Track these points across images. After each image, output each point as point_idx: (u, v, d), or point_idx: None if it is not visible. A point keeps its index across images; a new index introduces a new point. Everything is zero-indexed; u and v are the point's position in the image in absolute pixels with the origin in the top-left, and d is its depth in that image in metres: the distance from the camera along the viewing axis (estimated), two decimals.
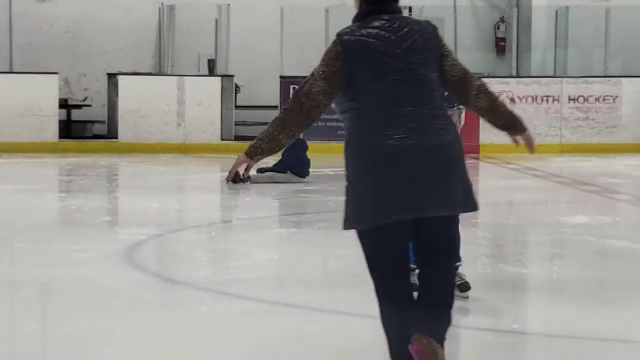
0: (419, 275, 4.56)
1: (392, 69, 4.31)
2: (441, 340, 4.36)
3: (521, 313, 6.85)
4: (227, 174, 14.36)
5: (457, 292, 5.86)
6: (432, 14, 20.98)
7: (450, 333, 6.26)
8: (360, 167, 4.35)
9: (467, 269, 8.24)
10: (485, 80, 15.31)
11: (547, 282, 7.78)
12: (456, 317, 6.46)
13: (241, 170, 4.52)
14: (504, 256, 9.73)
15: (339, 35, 4.25)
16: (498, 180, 16.90)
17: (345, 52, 4.30)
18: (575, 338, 5.80)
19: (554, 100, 20.37)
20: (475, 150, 19.78)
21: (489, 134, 19.77)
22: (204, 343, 5.76)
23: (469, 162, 15.39)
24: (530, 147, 4.78)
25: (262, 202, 13.45)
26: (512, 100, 20.31)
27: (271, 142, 4.41)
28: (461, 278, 6.27)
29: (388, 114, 4.30)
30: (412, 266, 5.43)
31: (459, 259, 6.31)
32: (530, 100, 20.73)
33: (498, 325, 6.48)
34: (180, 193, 15.86)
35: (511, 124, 4.69)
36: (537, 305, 7.16)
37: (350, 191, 4.37)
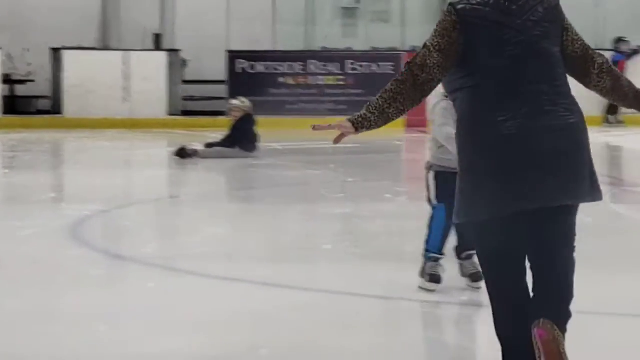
0: (532, 268, 4.17)
1: (513, 41, 3.94)
2: (563, 332, 4.03)
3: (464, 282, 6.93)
4: (175, 148, 14.42)
5: (469, 282, 6.05)
6: None
7: (398, 305, 6.37)
8: (478, 151, 3.97)
9: (417, 243, 8.26)
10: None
11: None
12: (403, 289, 6.58)
13: (344, 137, 4.12)
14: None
15: (453, 4, 3.90)
16: None
17: (461, 22, 3.94)
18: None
19: None
20: (423, 123, 19.18)
21: None
22: (152, 319, 5.73)
23: (417, 137, 15.63)
24: None
25: (210, 177, 13.44)
26: None
27: (380, 115, 3.99)
28: (474, 267, 5.96)
29: (508, 91, 3.94)
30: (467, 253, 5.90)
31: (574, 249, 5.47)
32: None
33: (448, 297, 6.55)
34: (126, 168, 15.79)
35: (638, 102, 4.24)
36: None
37: (465, 178, 4.01)
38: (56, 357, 5.12)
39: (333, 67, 21.27)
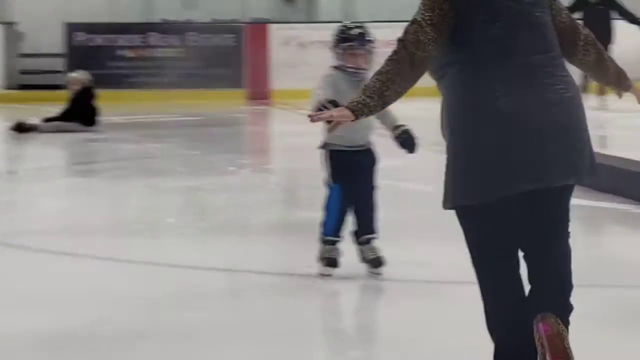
0: (526, 257, 3.93)
1: (505, 11, 3.74)
2: (567, 325, 3.80)
3: (314, 257, 6.98)
4: (13, 123, 14.19)
5: (369, 268, 5.83)
6: None
7: (243, 278, 6.35)
8: (471, 129, 3.71)
9: (262, 215, 8.33)
10: (275, 26, 15.14)
11: None
12: (248, 261, 6.62)
13: (340, 126, 3.83)
14: (296, 201, 9.95)
15: None
16: (290, 126, 16.95)
17: None
18: (366, 278, 5.98)
19: None
20: (265, 95, 20.13)
21: (279, 80, 20.60)
22: None
23: (259, 109, 15.64)
24: None
25: (49, 151, 13.29)
26: (302, 45, 20.61)
27: (379, 99, 3.73)
28: (374, 252, 5.85)
29: (503, 64, 3.72)
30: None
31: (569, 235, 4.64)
32: (320, 45, 20.34)
33: (293, 269, 6.61)
34: None
35: (618, 80, 4.06)
36: None
37: (457, 160, 3.74)
38: None
39: (173, 40, 21.04)
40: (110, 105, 16.02)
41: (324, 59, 20.01)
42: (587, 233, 7.32)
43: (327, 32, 19.70)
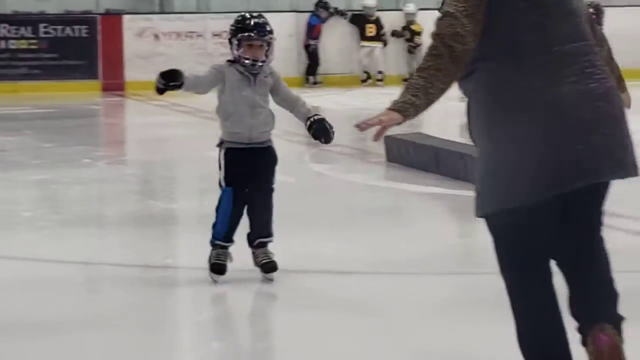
0: (566, 264, 3.63)
1: None
2: (621, 337, 3.55)
3: (172, 247, 7.00)
4: None
5: (262, 273, 5.60)
6: None
7: (100, 271, 6.34)
8: (516, 126, 3.44)
9: (118, 207, 8.31)
10: (129, 17, 14.90)
11: (198, 216, 7.99)
12: (105, 254, 6.63)
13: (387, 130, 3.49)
14: (153, 192, 9.93)
15: None
16: (145, 117, 17.03)
17: None
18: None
19: (197, 36, 20.81)
20: (120, 87, 20.01)
21: (133, 71, 20.43)
22: None
23: (113, 101, 15.46)
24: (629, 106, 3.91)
25: None
26: (156, 36, 20.54)
27: (424, 97, 3.47)
28: (267, 257, 5.63)
29: (546, 54, 3.49)
30: None
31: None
32: (174, 36, 21.05)
33: (150, 261, 6.60)
34: None
35: (618, 81, 3.79)
36: (188, 239, 7.34)
37: (499, 162, 3.48)
38: None
39: (25, 31, 20.52)
40: None
41: (178, 50, 20.06)
42: (461, 220, 7.51)
43: (181, 24, 19.71)
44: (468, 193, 8.18)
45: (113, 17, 22.48)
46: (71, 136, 13.88)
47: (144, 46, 20.92)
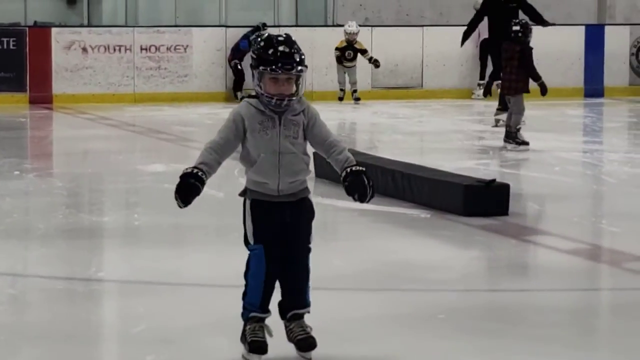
0: None
1: None
2: None
3: (100, 260, 7.01)
4: None
5: (297, 350, 4.64)
6: None
7: (29, 283, 6.32)
8: None
9: (47, 219, 8.30)
10: (57, 30, 14.91)
11: (126, 229, 7.99)
12: (34, 266, 6.63)
13: None
14: (82, 205, 9.92)
15: None
16: (73, 130, 17.04)
17: None
18: (153, 283, 6.04)
19: (126, 49, 20.73)
20: (48, 100, 19.86)
21: (61, 84, 20.26)
22: None
23: (41, 113, 15.34)
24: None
25: None
26: (84, 49, 20.42)
27: None
28: (304, 331, 4.62)
29: None
30: None
31: None
32: (102, 49, 20.89)
33: (79, 273, 6.59)
34: None
35: None
36: (116, 252, 7.35)
37: None
38: None
39: None
40: None
41: (106, 64, 20.04)
42: (388, 237, 7.58)
43: (109, 37, 19.69)
44: (396, 209, 8.40)
45: (41, 30, 22.04)
46: None
47: (72, 59, 20.71)
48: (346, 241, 7.58)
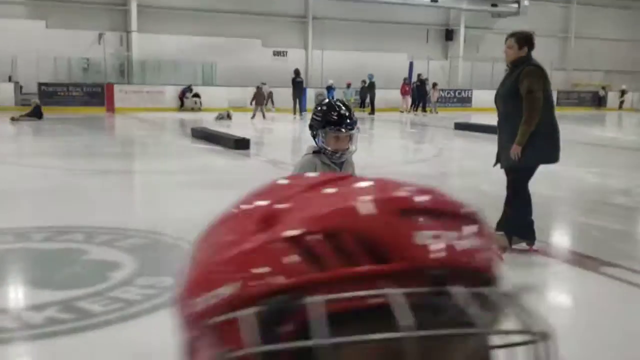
0: None
1: None
2: None
3: None
4: None
5: None
6: None
7: None
8: None
9: None
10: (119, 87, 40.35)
11: None
12: None
13: None
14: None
15: None
16: (122, 121, 27.49)
17: None
18: None
19: None
20: (113, 110, 33.79)
21: (119, 103, 34.98)
22: None
23: (110, 114, 37.88)
24: None
25: None
26: (126, 92, 36.24)
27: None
28: None
29: None
30: None
31: None
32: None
33: None
34: None
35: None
36: None
37: None
38: None
39: None
40: None
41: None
42: None
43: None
44: None
45: (109, 85, 37.50)
46: None
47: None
48: None
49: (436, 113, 42.36)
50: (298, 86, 37.26)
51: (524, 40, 7.96)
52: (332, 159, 5.03)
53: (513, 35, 8.08)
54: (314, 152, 5.09)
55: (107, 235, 8.92)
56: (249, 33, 43.76)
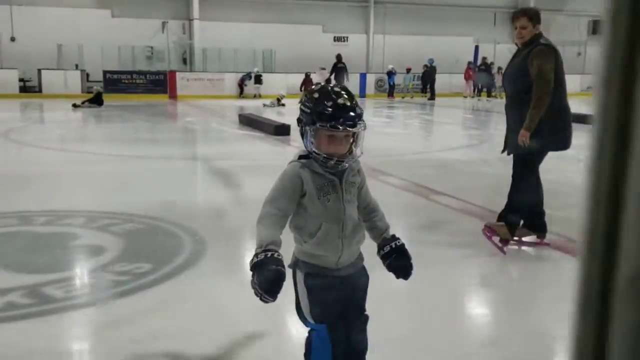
0: None
1: None
2: None
3: None
4: None
5: None
6: None
7: None
8: None
9: None
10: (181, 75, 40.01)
11: None
12: None
13: None
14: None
15: None
16: (183, 107, 28.64)
17: None
18: None
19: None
20: (176, 97, 34.60)
21: (181, 90, 36.05)
22: None
23: (172, 101, 38.32)
24: None
25: None
26: (187, 80, 37.94)
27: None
28: None
29: None
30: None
31: None
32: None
33: None
34: None
35: None
36: None
37: None
38: None
39: None
40: None
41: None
42: None
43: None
44: None
45: (172, 73, 38.80)
46: None
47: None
48: None
49: (501, 98, 41.69)
50: (340, 72, 36.88)
51: (537, 17, 7.56)
52: (326, 166, 3.50)
53: (524, 13, 7.57)
54: (301, 157, 3.57)
55: (108, 220, 8.86)
56: (310, 19, 44.71)
